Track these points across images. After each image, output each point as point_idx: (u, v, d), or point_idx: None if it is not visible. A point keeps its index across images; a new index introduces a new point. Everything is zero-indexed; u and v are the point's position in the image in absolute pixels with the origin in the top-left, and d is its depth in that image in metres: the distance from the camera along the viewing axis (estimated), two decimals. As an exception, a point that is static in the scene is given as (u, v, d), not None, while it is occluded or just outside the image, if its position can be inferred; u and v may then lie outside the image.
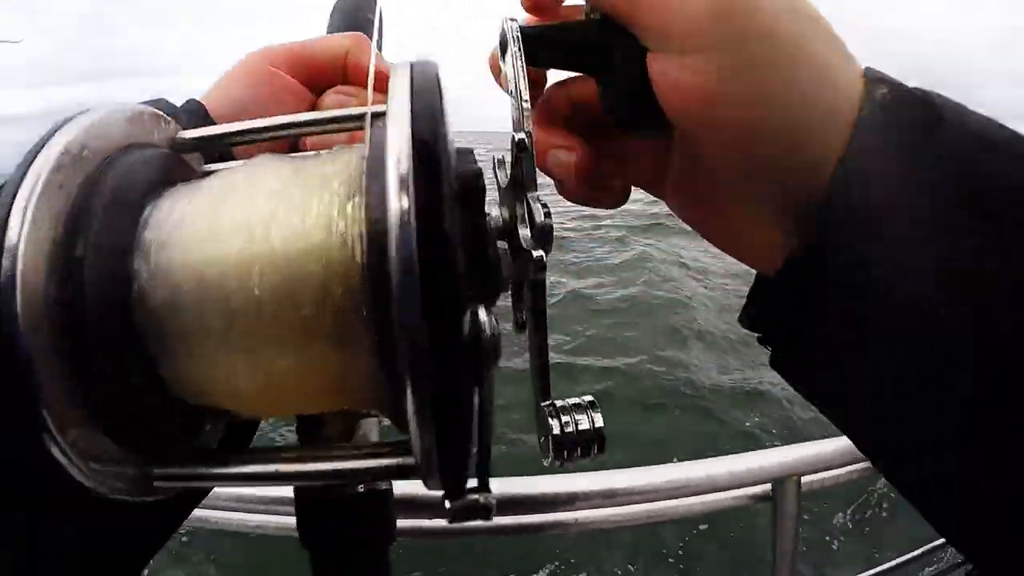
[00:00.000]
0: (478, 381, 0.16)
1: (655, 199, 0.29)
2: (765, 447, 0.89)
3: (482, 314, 0.16)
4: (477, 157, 0.19)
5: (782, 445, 0.91)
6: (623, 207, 0.29)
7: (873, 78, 0.21)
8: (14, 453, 0.15)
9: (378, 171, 0.14)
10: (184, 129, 0.21)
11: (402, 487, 0.64)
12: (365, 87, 0.25)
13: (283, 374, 0.16)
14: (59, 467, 0.15)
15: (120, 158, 0.17)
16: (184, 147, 0.21)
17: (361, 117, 0.19)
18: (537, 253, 0.20)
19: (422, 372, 0.13)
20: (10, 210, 0.14)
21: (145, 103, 0.21)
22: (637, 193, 0.30)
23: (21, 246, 0.14)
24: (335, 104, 0.29)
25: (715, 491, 0.82)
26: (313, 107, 0.30)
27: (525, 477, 0.74)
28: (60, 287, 0.15)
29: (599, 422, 0.22)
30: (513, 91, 0.24)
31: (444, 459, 0.15)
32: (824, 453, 0.87)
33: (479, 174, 0.18)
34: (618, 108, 0.26)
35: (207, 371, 0.16)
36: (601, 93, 0.27)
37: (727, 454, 0.87)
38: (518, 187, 0.22)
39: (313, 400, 0.18)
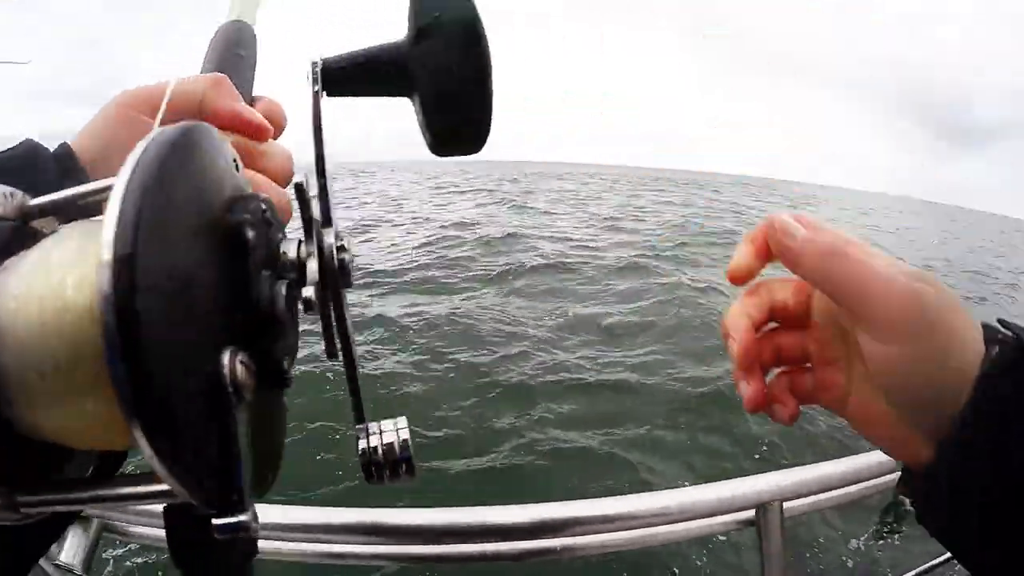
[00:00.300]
0: (223, 415, 0.19)
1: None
2: (750, 473, 0.92)
3: (227, 357, 0.19)
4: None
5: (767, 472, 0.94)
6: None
7: (990, 338, 0.30)
8: None
9: (106, 240, 0.17)
10: (53, 173, 0.27)
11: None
12: (220, 128, 0.26)
13: (82, 421, 0.20)
14: None
15: None
16: (31, 215, 0.24)
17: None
18: (306, 291, 0.22)
19: (143, 410, 0.17)
20: None
21: (12, 149, 0.27)
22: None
23: None
24: None
25: (701, 517, 0.85)
26: None
27: (514, 505, 0.77)
28: None
29: (407, 446, 0.24)
30: (312, 130, 0.26)
31: (191, 484, 0.18)
32: (806, 479, 0.91)
33: (240, 225, 0.21)
34: (426, 128, 0.31)
35: (44, 416, 0.20)
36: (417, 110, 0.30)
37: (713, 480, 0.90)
38: (307, 226, 0.23)
39: (102, 440, 0.21)
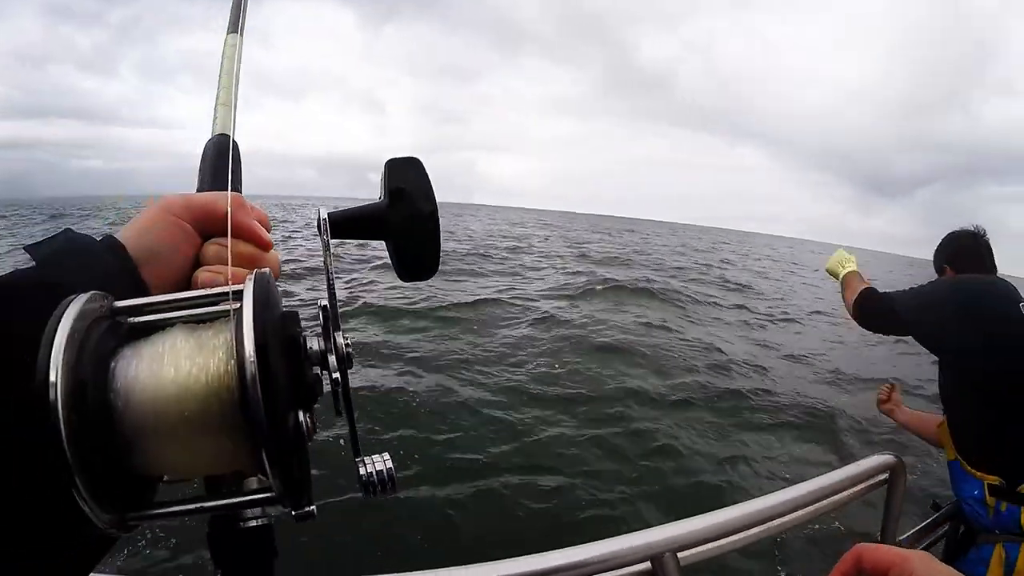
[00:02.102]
0: (300, 448, 0.31)
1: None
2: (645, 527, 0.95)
3: (300, 414, 0.31)
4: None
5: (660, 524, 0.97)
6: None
7: None
8: (49, 508, 0.26)
9: (239, 346, 0.28)
10: (110, 267, 0.36)
11: None
12: (238, 238, 0.40)
13: (201, 456, 0.30)
14: (83, 514, 0.27)
15: (93, 331, 0.29)
16: (119, 313, 0.32)
17: (225, 295, 0.33)
18: (334, 375, 0.33)
19: (269, 442, 0.28)
20: (48, 369, 0.26)
21: (53, 238, 0.36)
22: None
23: (58, 388, 0.26)
24: (215, 252, 0.41)
25: (597, 572, 0.86)
26: (199, 250, 0.42)
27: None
28: (74, 412, 0.26)
29: (392, 470, 0.34)
30: (325, 268, 0.36)
31: (289, 491, 0.30)
32: (698, 528, 0.94)
33: (295, 336, 0.32)
34: (396, 264, 0.44)
35: (155, 458, 0.29)
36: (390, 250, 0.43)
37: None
38: (327, 332, 0.34)
39: (216, 467, 0.31)
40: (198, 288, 0.38)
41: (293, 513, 0.32)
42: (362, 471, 0.34)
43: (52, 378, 0.26)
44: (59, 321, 0.27)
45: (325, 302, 0.34)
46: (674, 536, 0.91)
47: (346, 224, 0.42)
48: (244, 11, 0.69)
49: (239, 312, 0.29)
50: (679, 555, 0.90)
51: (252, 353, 0.28)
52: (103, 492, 0.27)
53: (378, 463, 0.34)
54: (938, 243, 2.04)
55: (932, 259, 2.05)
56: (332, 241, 0.39)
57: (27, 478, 0.26)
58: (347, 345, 0.34)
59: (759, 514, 1.05)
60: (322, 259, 0.37)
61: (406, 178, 0.43)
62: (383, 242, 0.44)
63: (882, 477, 1.36)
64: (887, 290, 2.04)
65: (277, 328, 0.30)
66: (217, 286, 0.35)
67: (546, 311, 8.56)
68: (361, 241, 0.44)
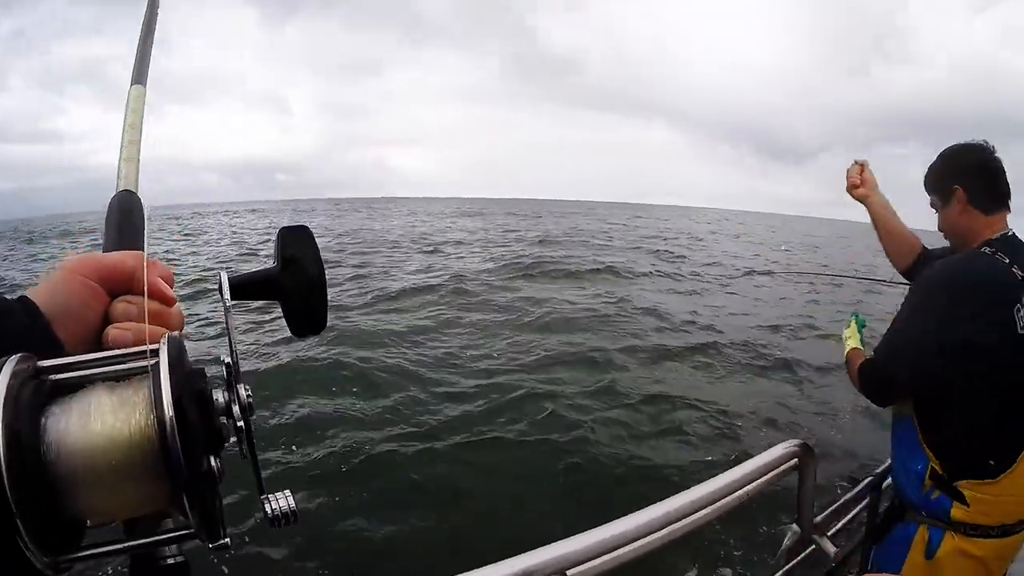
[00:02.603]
0: (213, 488, 0.35)
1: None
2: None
3: (212, 459, 0.34)
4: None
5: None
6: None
7: None
8: None
9: (158, 402, 0.31)
10: (26, 326, 0.39)
11: None
12: (148, 296, 0.41)
13: (126, 500, 0.33)
14: (22, 558, 0.29)
15: (24, 390, 0.31)
16: (44, 373, 0.34)
17: (141, 354, 0.36)
18: (239, 424, 0.36)
19: (184, 482, 0.31)
20: None
21: None
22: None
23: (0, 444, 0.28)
24: (122, 310, 0.43)
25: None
26: (108, 307, 0.43)
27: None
28: (13, 464, 0.29)
29: (293, 506, 0.38)
30: (225, 326, 0.40)
31: (207, 527, 0.34)
32: (588, 544, 0.91)
33: (203, 391, 0.35)
34: (289, 321, 0.47)
35: (85, 503, 0.32)
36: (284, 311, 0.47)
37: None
38: (230, 386, 0.37)
39: (139, 510, 0.34)
40: (108, 343, 0.41)
41: (210, 545, 0.35)
42: (267, 508, 0.37)
43: None
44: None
45: (227, 358, 0.37)
46: (564, 553, 0.88)
47: (244, 287, 0.45)
48: (148, 61, 0.67)
49: (156, 371, 0.32)
50: (568, 572, 0.88)
51: (170, 408, 0.31)
52: (41, 537, 0.30)
53: (281, 500, 0.38)
54: (936, 162, 1.60)
55: (925, 182, 1.63)
56: (231, 302, 0.42)
57: None
58: (248, 396, 0.37)
59: (665, 517, 1.04)
60: (223, 318, 0.41)
61: (297, 246, 0.47)
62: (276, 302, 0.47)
63: (791, 463, 1.38)
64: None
65: (188, 385, 0.33)
66: (126, 342, 0.40)
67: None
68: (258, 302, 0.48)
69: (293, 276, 0.46)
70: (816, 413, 5.46)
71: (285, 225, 0.48)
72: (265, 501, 0.37)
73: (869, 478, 1.89)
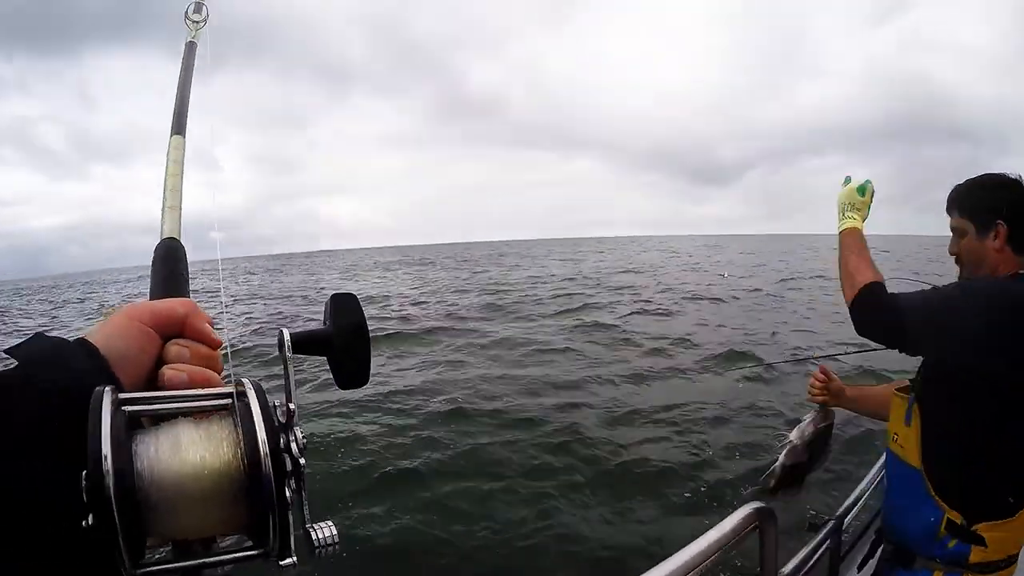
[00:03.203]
0: (286, 512, 0.37)
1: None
2: None
3: (287, 489, 0.37)
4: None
5: None
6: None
7: None
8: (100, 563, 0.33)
9: (250, 437, 0.36)
10: (87, 366, 0.41)
11: None
12: (196, 340, 0.47)
13: (209, 522, 0.37)
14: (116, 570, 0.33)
15: (116, 419, 0.35)
16: (124, 404, 0.37)
17: (227, 395, 0.40)
18: (301, 461, 0.39)
19: (275, 509, 0.36)
20: (100, 459, 0.32)
21: (28, 341, 0.42)
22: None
23: (111, 471, 0.32)
24: (177, 352, 0.46)
25: None
26: (161, 350, 0.46)
27: None
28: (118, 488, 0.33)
29: (335, 535, 0.40)
30: (286, 376, 0.44)
31: (283, 547, 0.37)
32: None
33: (279, 430, 0.39)
34: (336, 376, 0.52)
35: (169, 524, 0.35)
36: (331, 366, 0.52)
37: None
38: (287, 428, 0.40)
39: (210, 532, 0.38)
40: (163, 383, 0.44)
41: (281, 563, 0.37)
42: (314, 536, 0.39)
43: (106, 467, 0.32)
44: (100, 415, 0.34)
45: (291, 404, 0.40)
46: None
47: (302, 343, 0.48)
48: (186, 112, 0.69)
49: (246, 410, 0.37)
50: None
51: (265, 445, 0.36)
52: (134, 554, 0.33)
53: (325, 529, 0.40)
54: (963, 190, 1.48)
55: (959, 205, 1.48)
56: (290, 354, 0.46)
57: (78, 546, 0.32)
58: (304, 438, 0.39)
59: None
60: (282, 368, 0.44)
61: (346, 309, 0.51)
62: (324, 357, 0.51)
63: (752, 526, 1.30)
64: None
65: (271, 424, 0.37)
66: (181, 381, 0.44)
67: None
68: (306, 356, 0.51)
69: (341, 336, 0.50)
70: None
71: (336, 292, 0.53)
72: (312, 530, 0.40)
73: (831, 522, 1.84)
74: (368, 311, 0.60)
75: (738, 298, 15.02)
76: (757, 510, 1.27)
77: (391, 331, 10.70)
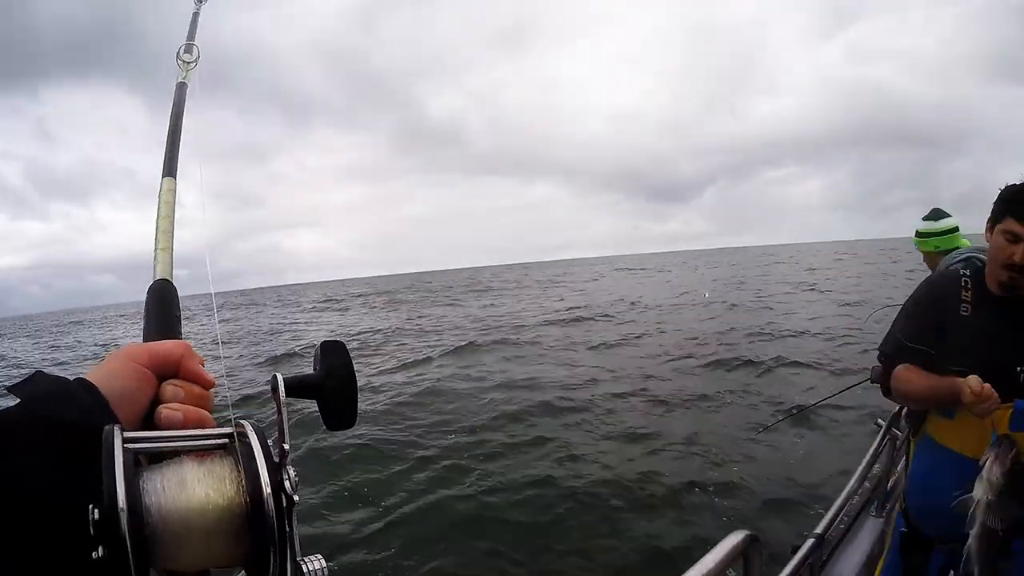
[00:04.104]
0: (291, 543, 0.39)
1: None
2: None
3: (285, 522, 0.39)
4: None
5: None
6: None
7: None
8: None
9: (253, 476, 0.38)
10: (88, 404, 0.43)
11: None
12: (191, 381, 0.49)
13: (207, 555, 0.38)
14: None
15: (124, 460, 0.36)
16: (131, 442, 0.38)
17: (227, 435, 0.42)
18: (295, 497, 0.39)
19: (276, 543, 0.37)
20: (114, 496, 0.33)
21: (29, 379, 0.43)
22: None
23: (124, 507, 0.33)
24: (172, 392, 0.48)
25: None
26: (157, 390, 0.48)
27: None
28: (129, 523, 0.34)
29: (325, 568, 0.40)
30: (279, 418, 0.43)
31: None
32: None
33: (279, 468, 0.40)
34: (325, 418, 0.53)
35: (174, 557, 0.36)
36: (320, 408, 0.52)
37: None
38: (282, 466, 0.41)
39: (209, 564, 0.39)
40: (160, 422, 0.46)
41: None
42: (304, 569, 0.39)
43: (120, 504, 0.33)
44: (113, 453, 0.35)
45: (285, 445, 0.41)
46: None
47: (295, 387, 0.49)
48: (177, 154, 0.69)
49: (247, 449, 0.39)
50: None
51: (268, 486, 0.37)
52: None
53: (315, 562, 0.40)
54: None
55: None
56: (284, 398, 0.46)
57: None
58: (296, 475, 0.40)
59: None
60: (275, 409, 0.45)
61: (334, 356, 0.53)
62: (314, 400, 0.52)
63: (738, 554, 1.30)
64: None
65: (270, 463, 0.39)
66: (177, 420, 0.45)
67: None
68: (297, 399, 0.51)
69: (331, 380, 0.52)
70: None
71: (324, 340, 0.55)
72: (302, 563, 0.40)
73: (811, 540, 1.86)
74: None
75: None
76: (743, 539, 1.28)
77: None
